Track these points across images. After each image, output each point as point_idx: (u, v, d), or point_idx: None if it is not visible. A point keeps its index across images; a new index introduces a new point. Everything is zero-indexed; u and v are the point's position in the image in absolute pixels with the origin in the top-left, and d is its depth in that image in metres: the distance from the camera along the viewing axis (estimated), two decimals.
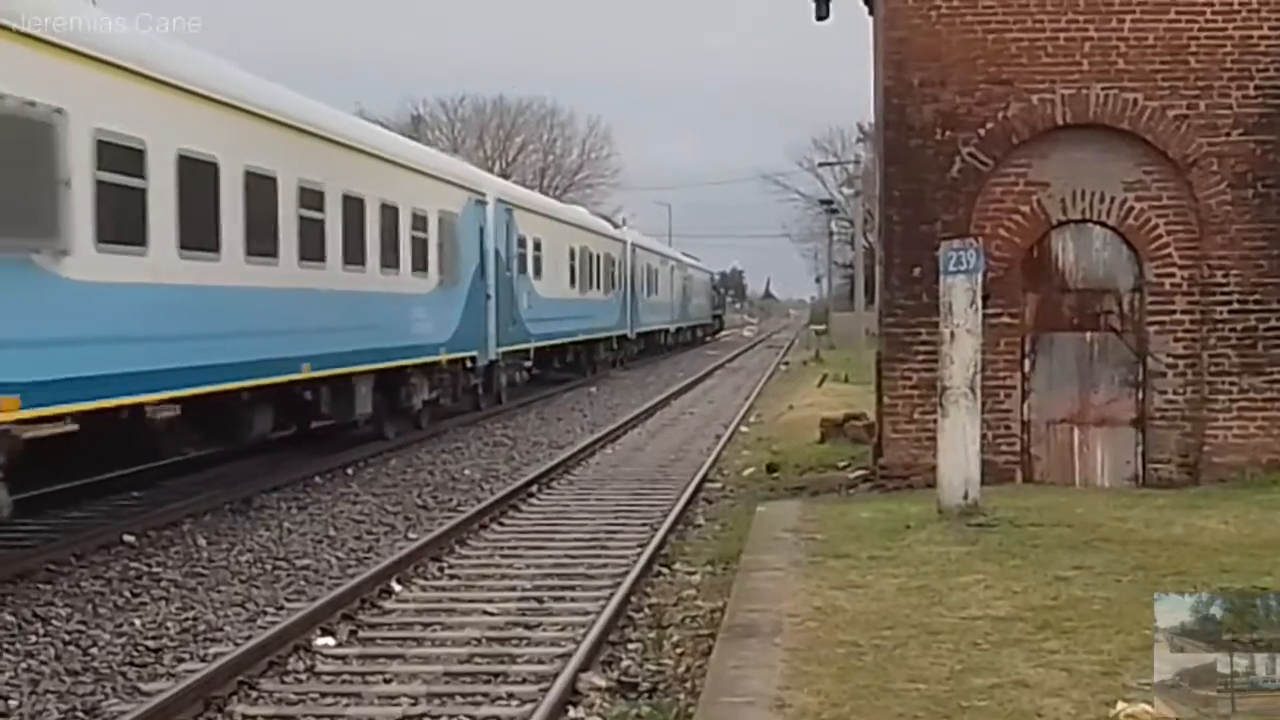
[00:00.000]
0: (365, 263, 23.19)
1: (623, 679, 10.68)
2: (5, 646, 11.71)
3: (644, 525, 17.52)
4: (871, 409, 21.07)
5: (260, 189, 19.10)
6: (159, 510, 17.86)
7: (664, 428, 31.59)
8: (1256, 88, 17.30)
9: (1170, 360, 17.58)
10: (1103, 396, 17.77)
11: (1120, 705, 7.93)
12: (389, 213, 24.47)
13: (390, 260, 24.49)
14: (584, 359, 47.80)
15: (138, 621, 12.62)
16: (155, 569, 14.91)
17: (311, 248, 20.93)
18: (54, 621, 12.56)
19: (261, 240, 19.19)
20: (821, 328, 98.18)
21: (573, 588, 14.01)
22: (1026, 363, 17.79)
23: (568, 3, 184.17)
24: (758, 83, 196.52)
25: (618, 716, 9.73)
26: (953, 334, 14.87)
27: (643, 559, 14.82)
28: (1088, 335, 17.83)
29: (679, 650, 11.48)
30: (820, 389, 40.14)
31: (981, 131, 17.65)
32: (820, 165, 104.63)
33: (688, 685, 10.27)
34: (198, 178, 17.26)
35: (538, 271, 38.57)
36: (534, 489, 20.72)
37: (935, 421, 15.37)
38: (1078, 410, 17.77)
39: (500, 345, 33.27)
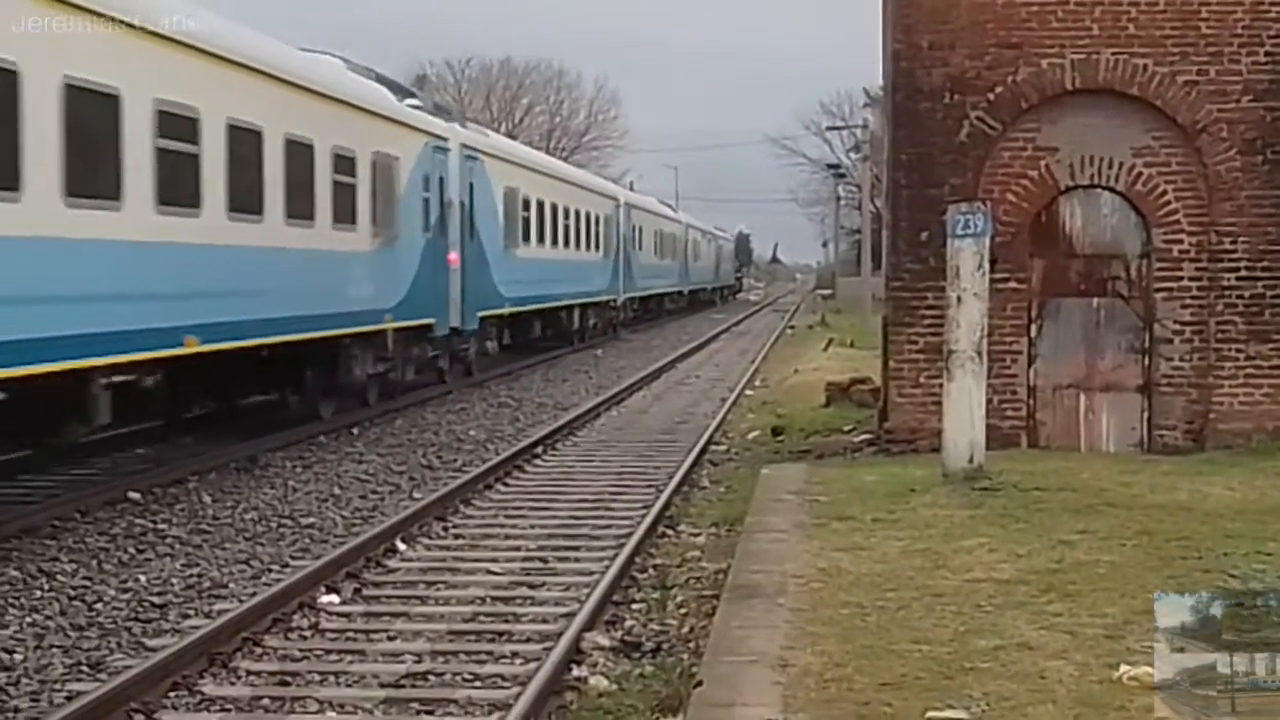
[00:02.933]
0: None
1: (626, 638, 10.70)
2: (10, 601, 11.74)
3: (649, 487, 17.54)
4: (877, 373, 21.05)
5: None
6: (164, 468, 17.89)
7: (669, 390, 31.60)
8: (1267, 54, 17.23)
9: (1177, 326, 17.55)
10: (1109, 362, 17.75)
11: (1123, 668, 7.96)
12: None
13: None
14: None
15: (143, 578, 12.64)
16: (160, 526, 14.94)
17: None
18: (59, 577, 12.59)
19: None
20: (828, 292, 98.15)
21: (577, 548, 14.03)
22: (1033, 328, 17.76)
23: None
24: (765, 46, 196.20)
25: (621, 675, 9.74)
26: (959, 298, 14.85)
27: (647, 520, 14.84)
28: (1095, 301, 17.80)
29: (683, 610, 11.49)
30: (826, 353, 40.11)
31: (990, 96, 17.59)
32: (828, 129, 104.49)
33: (691, 645, 10.28)
34: None
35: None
36: (539, 450, 20.74)
37: (941, 386, 15.36)
38: (1084, 376, 17.75)
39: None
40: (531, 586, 12.44)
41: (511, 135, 72.91)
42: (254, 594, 11.78)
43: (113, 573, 12.84)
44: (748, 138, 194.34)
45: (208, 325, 17.52)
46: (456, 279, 28.91)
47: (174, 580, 12.58)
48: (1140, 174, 17.57)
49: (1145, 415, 17.65)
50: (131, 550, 13.77)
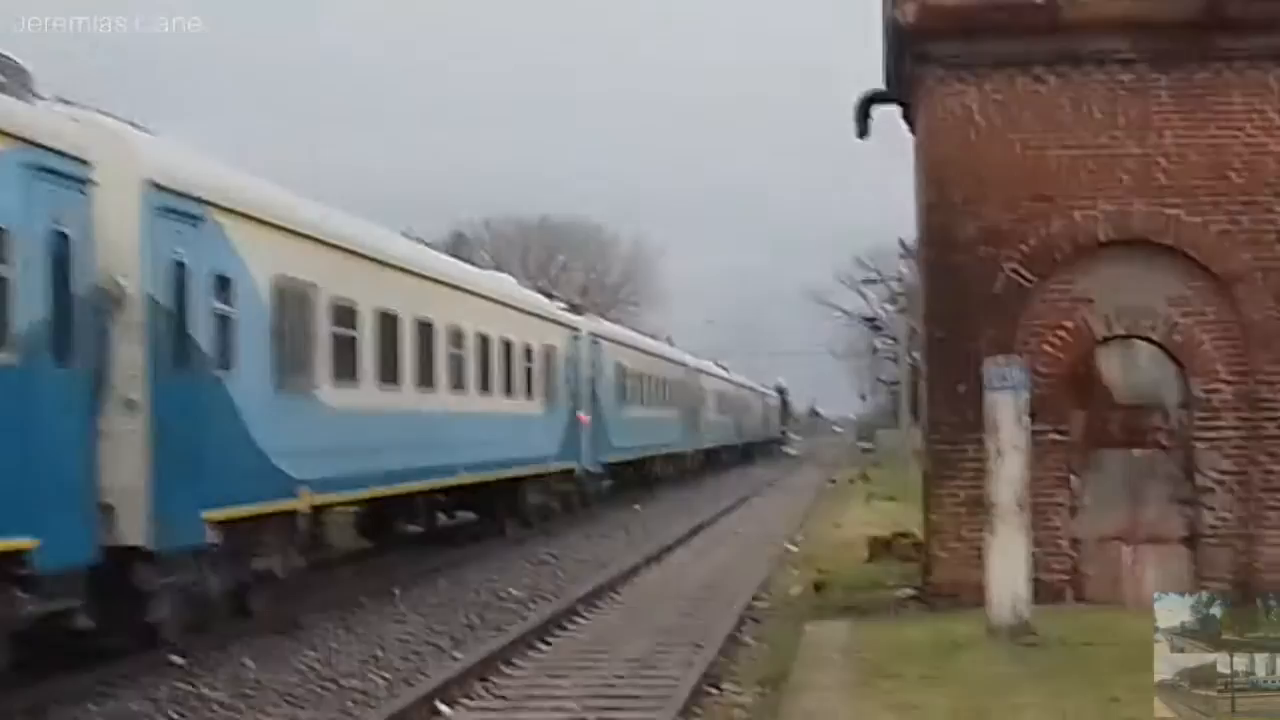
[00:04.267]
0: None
1: None
2: None
3: (692, 644, 17.40)
4: (919, 527, 20.95)
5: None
6: (207, 631, 17.83)
7: (711, 546, 31.52)
8: None
9: (1219, 476, 17.44)
10: (1153, 514, 17.62)
11: None
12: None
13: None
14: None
15: None
16: (203, 689, 14.89)
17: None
18: None
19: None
20: (867, 445, 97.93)
21: (621, 709, 13.91)
22: (1074, 479, 17.66)
23: (612, 125, 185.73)
24: (800, 200, 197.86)
25: None
26: (999, 451, 14.83)
27: (691, 679, 14.71)
28: (1136, 452, 17.71)
29: None
30: (867, 507, 39.99)
31: (1024, 248, 17.66)
32: (863, 282, 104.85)
33: None
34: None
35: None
36: (580, 608, 20.63)
37: (983, 539, 15.27)
38: (1128, 528, 17.62)
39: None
40: None
41: (546, 293, 73.25)
42: None
43: None
44: (785, 290, 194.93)
45: (471, 464, 27.20)
46: (587, 433, 37.84)
47: None
48: (1177, 324, 17.57)
49: (1191, 567, 17.48)
50: (174, 714, 13.74)
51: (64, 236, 14.00)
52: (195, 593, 16.51)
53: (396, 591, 22.71)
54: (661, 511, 42.73)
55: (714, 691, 14.79)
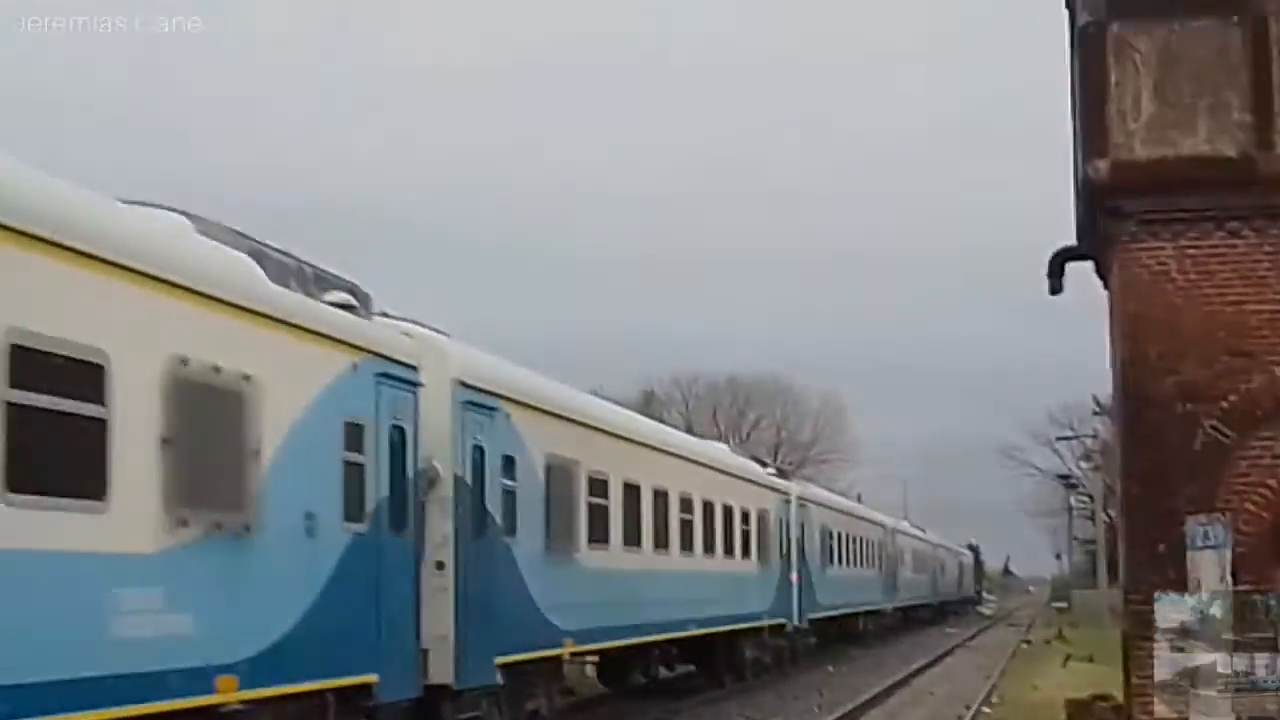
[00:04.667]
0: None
1: None
2: None
3: None
4: (1119, 689, 20.43)
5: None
6: None
7: (904, 706, 31.06)
8: None
9: None
10: None
11: None
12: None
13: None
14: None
15: None
16: None
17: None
18: None
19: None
20: (1063, 605, 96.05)
21: None
22: None
23: (793, 281, 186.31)
24: (991, 355, 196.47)
25: None
26: None
27: None
28: None
29: None
30: (1064, 668, 39.16)
31: (1224, 404, 17.34)
32: (1058, 440, 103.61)
33: None
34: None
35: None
36: None
37: (1188, 702, 14.87)
38: None
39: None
40: None
41: (760, 460, 73.55)
42: None
43: None
44: (975, 449, 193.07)
45: (699, 619, 30.12)
46: (795, 591, 40.24)
47: None
48: None
49: None
50: None
51: (400, 430, 16.98)
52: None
53: None
54: (857, 670, 42.27)
55: None
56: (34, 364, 10.87)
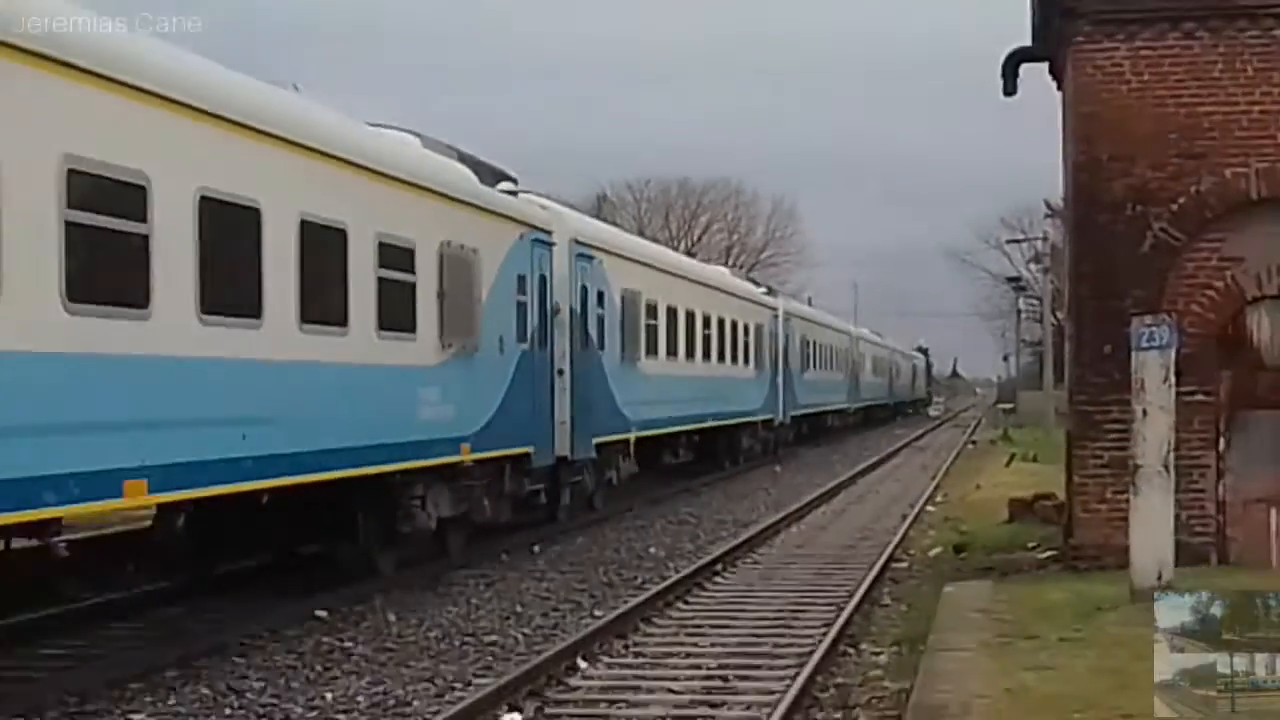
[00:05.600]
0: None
1: None
2: (201, 718, 11.94)
3: (829, 604, 17.38)
4: (1061, 488, 20.72)
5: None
6: (350, 587, 18.08)
7: (849, 506, 31.46)
8: None
9: None
10: None
11: None
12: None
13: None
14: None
15: (329, 695, 12.79)
16: (346, 644, 15.11)
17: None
18: (248, 694, 12.80)
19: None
20: (1009, 406, 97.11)
21: (758, 666, 13.93)
22: (1222, 441, 17.38)
23: (750, 83, 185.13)
24: (943, 159, 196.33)
25: None
26: (1145, 412, 14.62)
27: (828, 638, 14.70)
28: None
29: None
30: (1008, 468, 39.66)
31: (1173, 206, 17.37)
32: (1008, 243, 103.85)
33: None
34: None
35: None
36: (718, 567, 20.68)
37: (1127, 501, 15.07)
38: (1276, 490, 17.31)
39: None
40: (712, 705, 12.36)
41: (690, 253, 73.49)
42: (438, 712, 11.85)
43: (300, 690, 13.02)
44: (926, 252, 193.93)
45: (714, 413, 35.42)
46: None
47: (360, 698, 12.71)
48: None
49: None
50: (318, 668, 13.95)
51: (543, 277, 23.92)
52: (579, 488, 26.98)
53: (536, 548, 22.90)
54: (803, 468, 42.76)
55: (851, 652, 14.77)
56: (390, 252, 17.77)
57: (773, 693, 12.56)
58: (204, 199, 13.67)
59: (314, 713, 12.21)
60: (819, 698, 12.62)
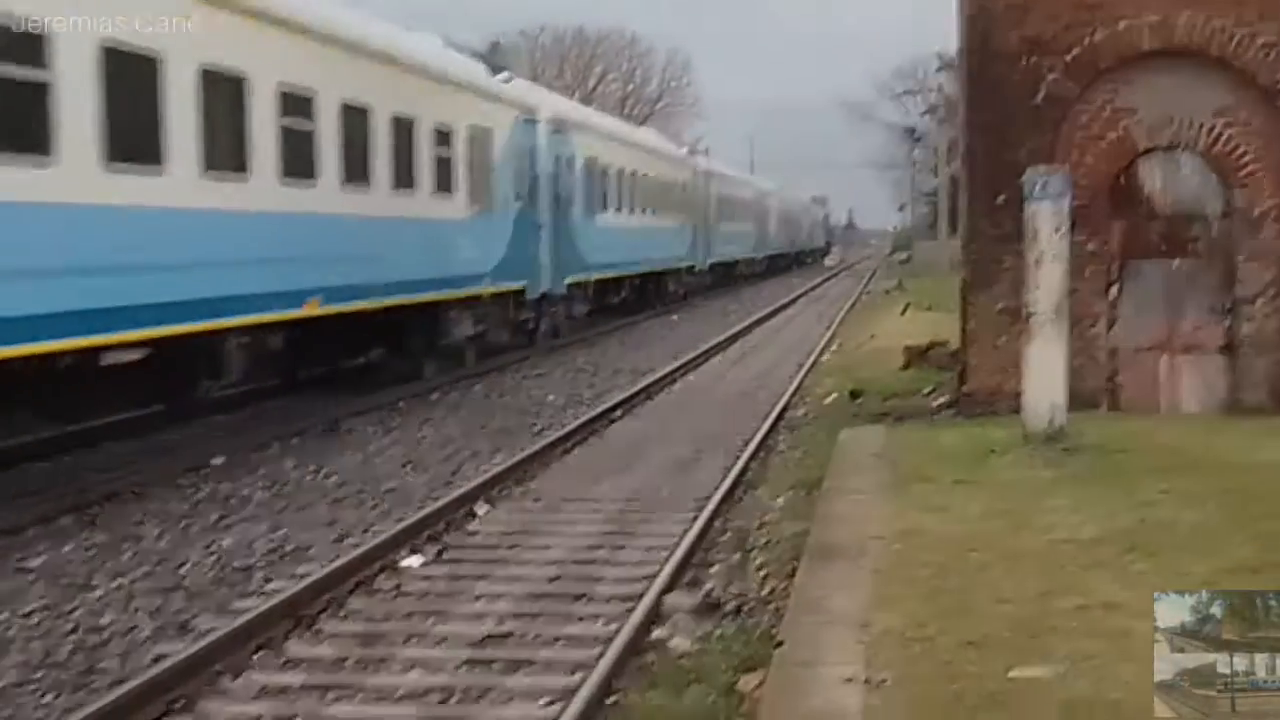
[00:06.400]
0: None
1: (707, 600, 10.74)
2: (97, 565, 11.93)
3: (727, 451, 17.56)
4: (956, 337, 20.97)
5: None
6: (247, 433, 18.05)
7: (746, 355, 31.64)
8: None
9: (1258, 287, 17.39)
10: (1190, 324, 17.61)
11: None
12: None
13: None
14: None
15: (227, 541, 12.82)
16: (244, 491, 15.12)
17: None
18: (145, 541, 12.79)
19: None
20: (904, 256, 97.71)
21: (656, 511, 14.08)
22: (1113, 290, 17.65)
23: None
24: (839, 12, 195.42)
25: (702, 636, 9.79)
26: (1038, 261, 14.79)
27: (725, 483, 14.88)
28: (1175, 262, 17.66)
29: (763, 572, 11.51)
30: (904, 317, 39.97)
31: (1067, 58, 17.46)
32: (903, 94, 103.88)
33: (772, 606, 10.30)
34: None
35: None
36: (617, 414, 20.81)
37: (1020, 348, 15.28)
38: (1165, 337, 17.63)
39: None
40: (612, 549, 12.50)
41: (586, 102, 73.02)
42: (337, 557, 11.89)
43: (197, 537, 13.03)
44: (822, 103, 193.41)
45: (647, 260, 34.72)
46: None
47: (258, 544, 12.74)
48: (1220, 135, 17.40)
49: (1227, 377, 17.51)
50: (215, 515, 13.95)
51: (532, 149, 29.94)
52: (556, 317, 33.09)
53: (434, 396, 22.92)
54: (698, 319, 42.89)
55: (749, 496, 14.95)
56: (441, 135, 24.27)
57: (671, 536, 12.71)
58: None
59: (211, 558, 12.21)
60: (717, 541, 12.79)
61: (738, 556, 12.14)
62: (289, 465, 16.57)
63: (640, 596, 10.54)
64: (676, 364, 27.86)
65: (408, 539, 12.45)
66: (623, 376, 26.36)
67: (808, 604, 9.16)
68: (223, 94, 16.57)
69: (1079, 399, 16.23)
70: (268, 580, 11.52)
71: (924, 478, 13.20)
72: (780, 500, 14.53)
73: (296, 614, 10.20)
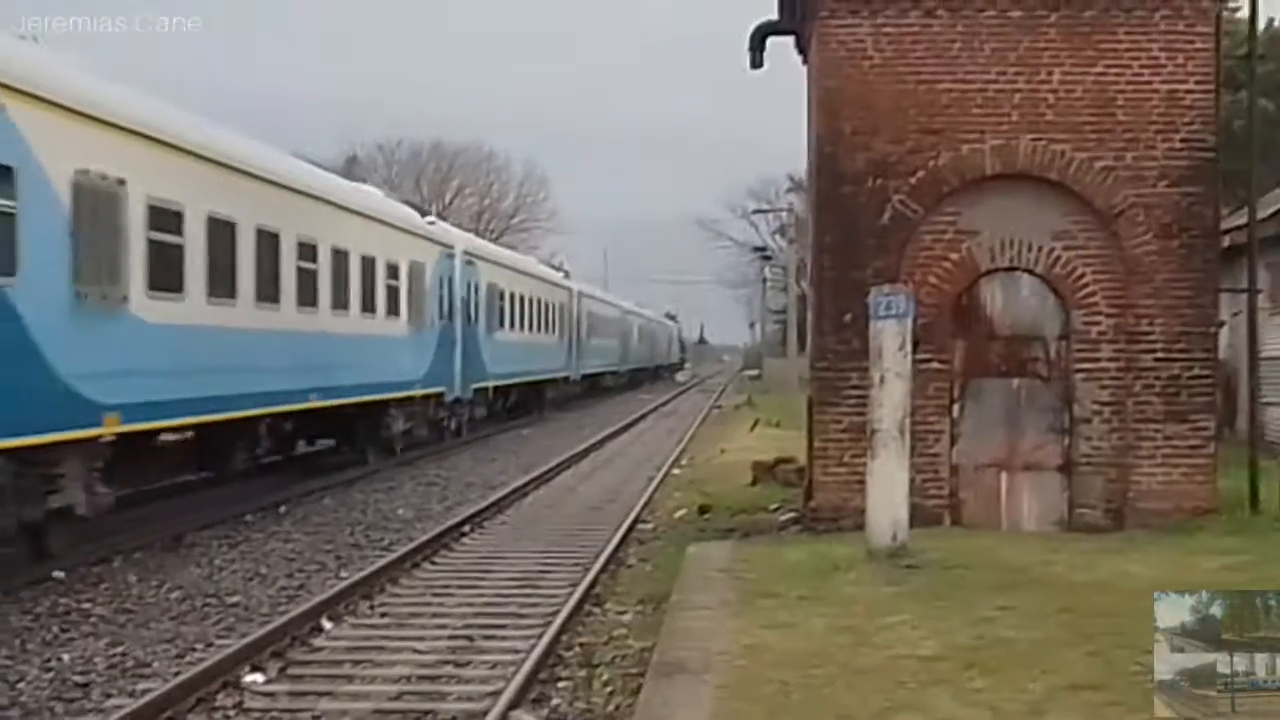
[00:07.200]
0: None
1: (553, 717, 10.74)
2: None
3: (576, 565, 17.57)
4: (803, 453, 21.20)
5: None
6: (89, 546, 17.76)
7: (597, 469, 31.68)
8: (1182, 140, 17.60)
9: (1096, 407, 17.80)
10: (1030, 442, 17.96)
11: None
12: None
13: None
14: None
15: (66, 657, 12.60)
16: (84, 605, 14.88)
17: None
18: None
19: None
20: (754, 373, 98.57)
21: (504, 626, 14.04)
22: (955, 408, 17.97)
23: (504, 49, 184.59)
24: (692, 130, 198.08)
25: None
26: (882, 378, 15.05)
27: (574, 598, 14.89)
28: (1015, 381, 18.03)
29: (609, 688, 11.54)
30: (752, 433, 40.29)
31: (912, 180, 17.86)
32: (754, 213, 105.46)
33: None
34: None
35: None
36: (466, 529, 20.75)
37: (865, 465, 15.49)
38: (1005, 455, 17.95)
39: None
40: (458, 665, 12.44)
41: (442, 216, 73.15)
42: (178, 673, 11.74)
43: (36, 652, 12.79)
44: (675, 220, 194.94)
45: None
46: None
47: (98, 660, 12.53)
48: (1059, 257, 17.85)
49: (1066, 494, 17.85)
50: (55, 629, 13.71)
51: (450, 278, 35.98)
52: (463, 417, 38.15)
53: (282, 509, 22.72)
54: (549, 433, 42.91)
55: (597, 610, 14.97)
56: (390, 269, 30.56)
57: (518, 652, 12.69)
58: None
59: (49, 674, 12.00)
60: (564, 656, 12.78)
61: (584, 672, 12.14)
62: (131, 580, 16.33)
63: (486, 714, 10.51)
64: (528, 478, 27.83)
65: (251, 654, 12.30)
66: (474, 490, 26.28)
67: None
68: (268, 247, 22.57)
69: (922, 515, 16.50)
70: (106, 697, 11.33)
71: (769, 593, 13.30)
72: (628, 615, 14.58)
73: None
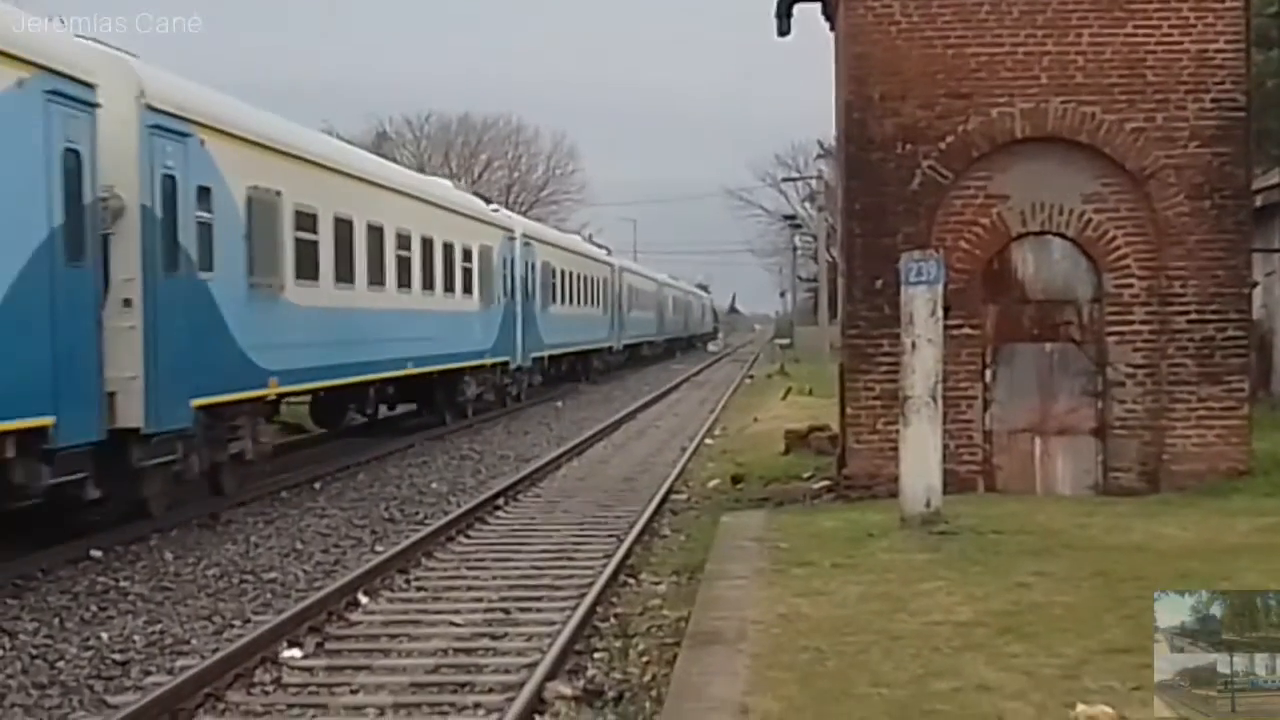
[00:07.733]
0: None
1: (589, 687, 10.75)
2: None
3: (610, 536, 17.60)
4: (835, 421, 21.19)
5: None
6: (127, 526, 17.85)
7: (630, 440, 31.72)
8: (1213, 100, 17.50)
9: (1129, 370, 17.75)
10: (1063, 406, 17.92)
11: (1080, 707, 8.06)
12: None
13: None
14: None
15: (104, 635, 12.65)
16: (122, 583, 14.94)
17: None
18: (21, 635, 12.59)
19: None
20: (786, 341, 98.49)
21: (539, 598, 14.07)
22: (988, 373, 17.93)
23: (532, 20, 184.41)
24: (721, 99, 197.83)
25: None
26: (914, 344, 15.01)
27: (608, 569, 14.91)
28: (1048, 346, 17.99)
29: (644, 658, 11.56)
30: (785, 402, 40.26)
31: (941, 145, 17.80)
32: (783, 181, 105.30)
33: (653, 693, 10.35)
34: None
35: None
36: (500, 502, 20.79)
37: (898, 431, 15.46)
38: (1039, 420, 17.92)
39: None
40: (494, 637, 12.47)
41: (474, 191, 73.35)
42: (216, 650, 11.78)
43: (75, 630, 12.85)
44: (704, 190, 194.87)
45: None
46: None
47: (136, 637, 12.59)
48: (1090, 220, 17.78)
49: (1100, 458, 17.82)
50: (93, 608, 13.77)
51: (511, 260, 40.24)
52: (523, 383, 42.16)
53: (317, 485, 22.79)
54: (582, 405, 42.97)
55: (631, 581, 14.99)
56: (465, 252, 35.12)
57: (553, 623, 12.72)
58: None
59: (89, 652, 12.06)
60: (599, 627, 12.81)
61: (620, 643, 12.17)
62: (168, 557, 16.38)
63: (522, 685, 10.53)
64: (560, 450, 27.87)
65: (288, 630, 12.35)
66: (507, 464, 26.34)
67: (688, 690, 9.20)
68: (374, 239, 26.68)
69: (955, 481, 16.49)
70: (145, 674, 11.39)
71: (803, 562, 13.29)
72: (663, 586, 14.60)
73: (175, 708, 10.09)
